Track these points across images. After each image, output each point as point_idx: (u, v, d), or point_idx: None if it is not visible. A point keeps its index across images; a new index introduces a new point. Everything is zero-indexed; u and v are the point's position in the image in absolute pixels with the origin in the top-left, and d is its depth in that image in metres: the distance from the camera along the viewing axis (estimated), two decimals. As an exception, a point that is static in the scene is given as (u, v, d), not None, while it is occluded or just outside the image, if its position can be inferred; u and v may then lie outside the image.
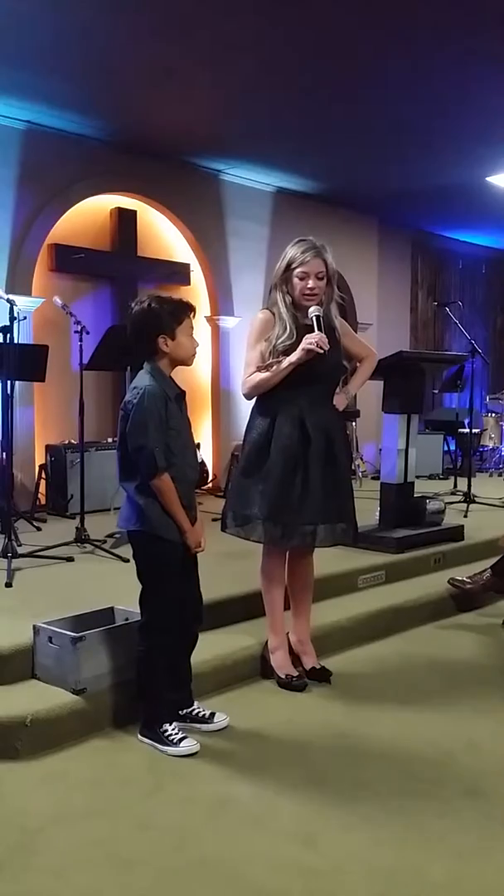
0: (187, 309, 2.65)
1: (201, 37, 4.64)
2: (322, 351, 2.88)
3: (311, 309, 2.96)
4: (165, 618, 2.68)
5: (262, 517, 2.98)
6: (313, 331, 2.91)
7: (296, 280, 2.98)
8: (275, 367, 2.95)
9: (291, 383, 2.97)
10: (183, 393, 2.70)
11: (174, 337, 2.61)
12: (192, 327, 2.67)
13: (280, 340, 2.97)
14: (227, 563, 3.95)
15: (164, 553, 2.64)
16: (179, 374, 2.72)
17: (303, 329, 2.97)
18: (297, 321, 3.00)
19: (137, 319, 2.62)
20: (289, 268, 2.99)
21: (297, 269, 2.96)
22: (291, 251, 3.00)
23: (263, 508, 2.98)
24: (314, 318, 2.94)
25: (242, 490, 3.06)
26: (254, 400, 3.12)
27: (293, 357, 2.92)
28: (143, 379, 2.62)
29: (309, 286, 2.96)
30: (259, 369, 2.99)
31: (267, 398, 3.04)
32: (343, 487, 3.09)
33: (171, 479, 2.57)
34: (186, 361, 2.69)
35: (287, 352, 2.95)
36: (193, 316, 2.69)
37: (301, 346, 2.90)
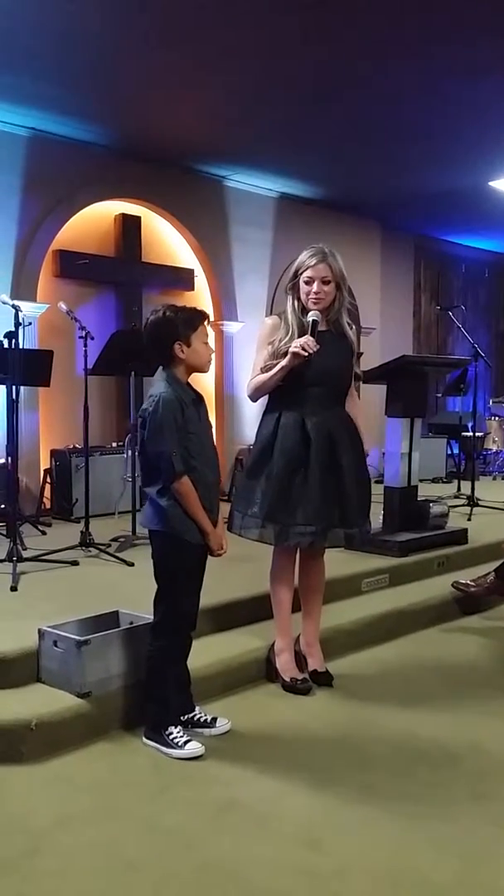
0: (201, 316, 2.70)
1: (205, 44, 4.67)
2: (307, 353, 2.90)
3: (310, 314, 3.01)
4: (178, 619, 2.70)
5: (261, 517, 3.02)
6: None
7: (303, 285, 3.04)
8: (272, 370, 3.01)
9: (294, 386, 3.01)
10: (200, 397, 2.73)
11: (189, 344, 2.65)
12: (206, 334, 2.72)
13: (283, 343, 3.02)
14: (232, 566, 3.94)
15: (185, 555, 2.66)
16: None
17: (303, 333, 3.00)
18: (301, 325, 3.05)
19: (153, 328, 2.66)
20: (296, 273, 3.06)
21: (304, 274, 3.03)
22: (300, 257, 3.06)
23: (263, 508, 3.01)
24: (309, 322, 2.99)
25: (245, 490, 3.11)
26: (263, 404, 3.17)
27: (284, 361, 2.97)
28: (158, 386, 2.65)
29: (314, 290, 3.01)
30: (262, 371, 3.05)
31: (273, 401, 3.11)
32: (350, 491, 3.02)
33: (191, 482, 2.60)
34: (202, 368, 2.73)
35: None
36: (208, 323, 2.73)
37: (290, 349, 2.95)
